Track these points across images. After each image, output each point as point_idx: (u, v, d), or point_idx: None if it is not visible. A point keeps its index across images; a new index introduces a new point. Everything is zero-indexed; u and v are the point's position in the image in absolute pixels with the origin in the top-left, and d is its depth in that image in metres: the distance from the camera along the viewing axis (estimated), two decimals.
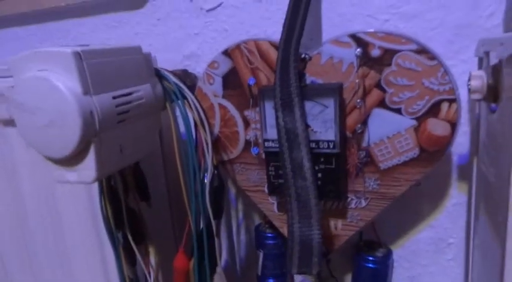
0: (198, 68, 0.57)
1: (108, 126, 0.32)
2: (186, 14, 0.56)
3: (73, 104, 0.29)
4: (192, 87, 0.47)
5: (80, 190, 0.45)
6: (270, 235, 0.51)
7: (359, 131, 0.41)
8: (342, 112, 0.40)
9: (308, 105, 0.40)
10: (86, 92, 0.30)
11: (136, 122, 0.37)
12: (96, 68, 0.31)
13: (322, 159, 0.40)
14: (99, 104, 0.31)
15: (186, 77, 0.47)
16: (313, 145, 0.40)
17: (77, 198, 0.46)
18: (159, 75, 0.41)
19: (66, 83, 0.29)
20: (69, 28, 0.63)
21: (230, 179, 0.55)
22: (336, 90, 0.38)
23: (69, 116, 0.29)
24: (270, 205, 0.48)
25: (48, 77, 0.29)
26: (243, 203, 0.59)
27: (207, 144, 0.41)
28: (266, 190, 0.47)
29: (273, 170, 0.43)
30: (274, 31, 0.52)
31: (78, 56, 0.29)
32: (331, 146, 0.39)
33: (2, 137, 0.47)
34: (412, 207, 0.51)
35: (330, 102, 0.39)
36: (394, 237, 0.53)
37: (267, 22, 0.52)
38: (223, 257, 0.62)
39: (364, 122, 0.41)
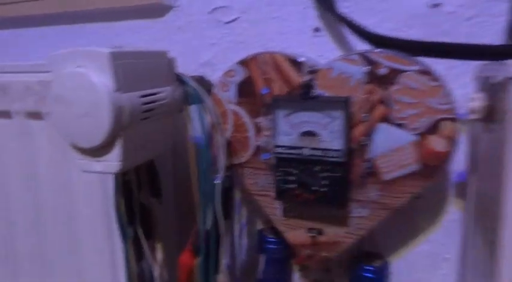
0: (212, 76, 0.60)
1: (134, 122, 0.34)
2: (205, 24, 0.60)
3: (106, 99, 0.32)
4: (207, 93, 0.50)
5: (95, 184, 0.48)
6: (272, 240, 0.53)
7: (364, 143, 0.44)
8: (349, 124, 0.42)
9: (318, 115, 0.42)
10: (118, 89, 0.33)
11: (158, 121, 0.39)
12: (127, 68, 0.34)
13: (328, 167, 0.43)
14: (128, 100, 0.34)
15: (202, 83, 0.50)
16: (320, 153, 0.43)
17: (92, 192, 0.48)
18: (180, 79, 0.44)
19: (101, 79, 0.32)
20: (95, 30, 0.67)
21: (239, 182, 0.57)
22: (344, 103, 0.41)
23: (102, 109, 0.32)
24: (275, 210, 0.50)
25: (87, 73, 0.32)
26: (247, 207, 0.62)
27: (221, 146, 0.44)
28: (273, 195, 0.49)
29: (281, 175, 0.45)
30: (288, 46, 0.55)
31: (113, 56, 0.32)
32: (337, 155, 0.42)
33: (26, 129, 0.50)
34: (411, 221, 0.53)
35: (338, 114, 0.41)
36: (392, 250, 0.55)
37: (281, 37, 0.56)
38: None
39: (369, 135, 0.43)
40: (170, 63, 0.42)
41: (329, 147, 0.42)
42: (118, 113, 0.32)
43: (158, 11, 0.62)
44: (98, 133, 0.32)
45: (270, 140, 0.48)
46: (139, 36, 0.64)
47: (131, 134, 0.35)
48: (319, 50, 0.54)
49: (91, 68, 0.32)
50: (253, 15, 0.57)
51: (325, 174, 0.43)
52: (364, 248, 0.53)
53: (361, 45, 0.52)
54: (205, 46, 0.61)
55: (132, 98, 0.34)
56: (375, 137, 0.43)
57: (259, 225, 0.61)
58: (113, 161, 0.34)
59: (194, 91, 0.44)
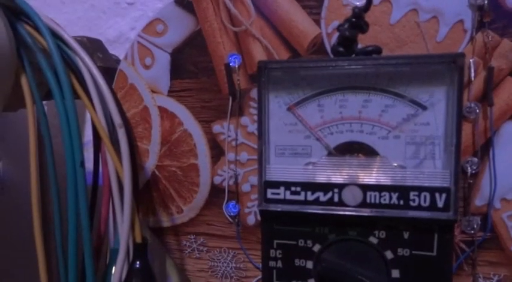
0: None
1: None
2: None
3: None
4: (107, 72, 0.23)
5: None
6: None
7: (471, 171, 0.19)
8: (461, 122, 0.17)
9: (376, 104, 0.16)
10: None
11: None
12: None
13: (406, 237, 0.16)
14: None
15: (95, 51, 0.23)
16: (383, 199, 0.16)
17: None
18: (16, 10, 0.16)
19: None
20: None
21: (170, 266, 0.28)
22: (451, 68, 0.16)
23: None
24: None
25: None
26: None
27: (121, 192, 0.16)
28: None
29: (280, 255, 0.18)
30: None
31: None
32: (438, 203, 0.16)
33: None
34: None
35: (435, 98, 0.16)
36: None
37: None
38: None
39: (484, 151, 0.18)
40: None
41: (411, 183, 0.16)
42: None
43: None
44: None
45: (242, 173, 0.21)
46: None
47: None
48: None
49: None
50: None
51: (400, 253, 0.16)
52: None
53: None
54: (115, 8, 0.34)
55: None
56: (498, 155, 0.18)
57: None
58: None
59: (52, 45, 0.16)
